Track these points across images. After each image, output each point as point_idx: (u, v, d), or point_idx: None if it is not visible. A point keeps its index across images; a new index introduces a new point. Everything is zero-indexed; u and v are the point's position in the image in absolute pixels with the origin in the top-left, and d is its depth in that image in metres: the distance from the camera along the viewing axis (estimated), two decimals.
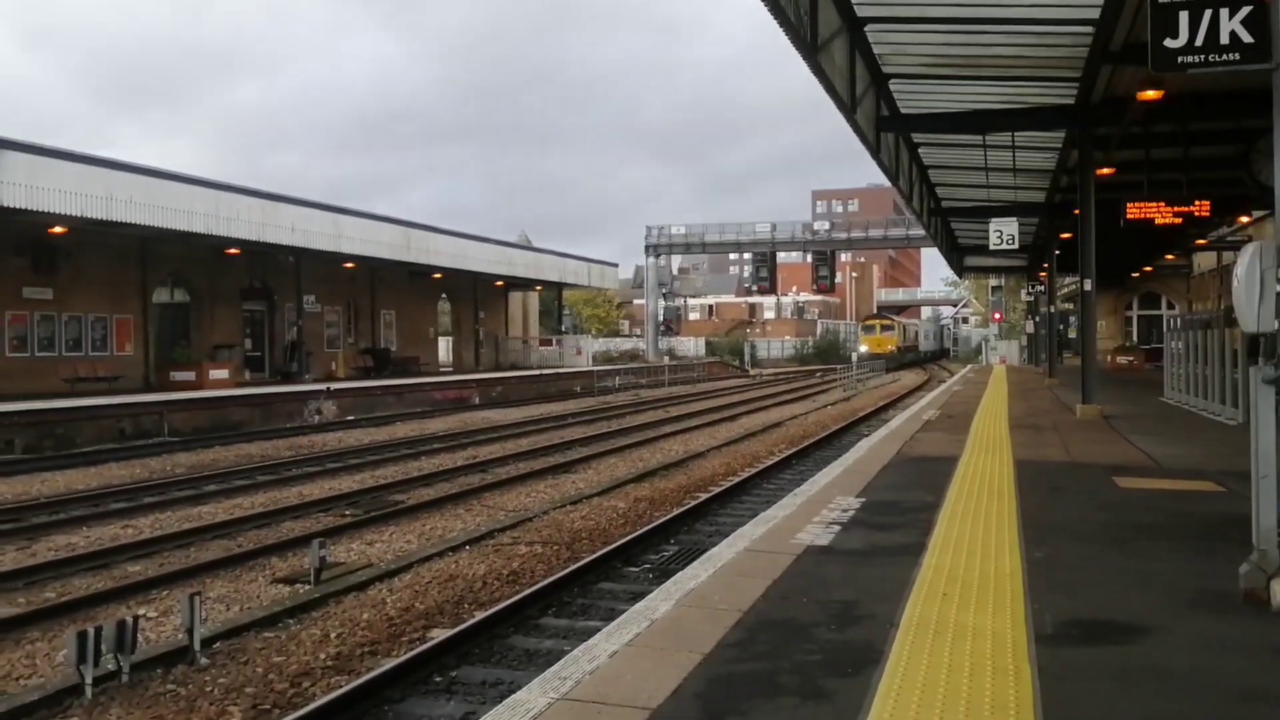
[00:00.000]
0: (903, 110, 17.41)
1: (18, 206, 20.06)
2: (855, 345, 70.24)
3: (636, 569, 9.22)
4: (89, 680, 6.02)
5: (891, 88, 16.30)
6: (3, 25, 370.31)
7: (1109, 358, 36.91)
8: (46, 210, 20.80)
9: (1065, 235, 26.45)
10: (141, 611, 7.82)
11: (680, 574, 5.77)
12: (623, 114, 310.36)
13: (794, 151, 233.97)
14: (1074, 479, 9.20)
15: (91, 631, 6.07)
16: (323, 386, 27.48)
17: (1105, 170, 17.78)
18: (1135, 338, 43.63)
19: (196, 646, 6.73)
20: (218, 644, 7.04)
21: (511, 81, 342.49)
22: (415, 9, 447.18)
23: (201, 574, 9.14)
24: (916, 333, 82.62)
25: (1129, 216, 17.10)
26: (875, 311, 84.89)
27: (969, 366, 52.30)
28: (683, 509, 11.67)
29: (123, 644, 6.24)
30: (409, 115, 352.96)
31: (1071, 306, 44.43)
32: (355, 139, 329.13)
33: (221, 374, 27.02)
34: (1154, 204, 17.08)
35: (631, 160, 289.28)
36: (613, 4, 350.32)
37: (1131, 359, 37.25)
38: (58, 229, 23.48)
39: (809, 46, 11.59)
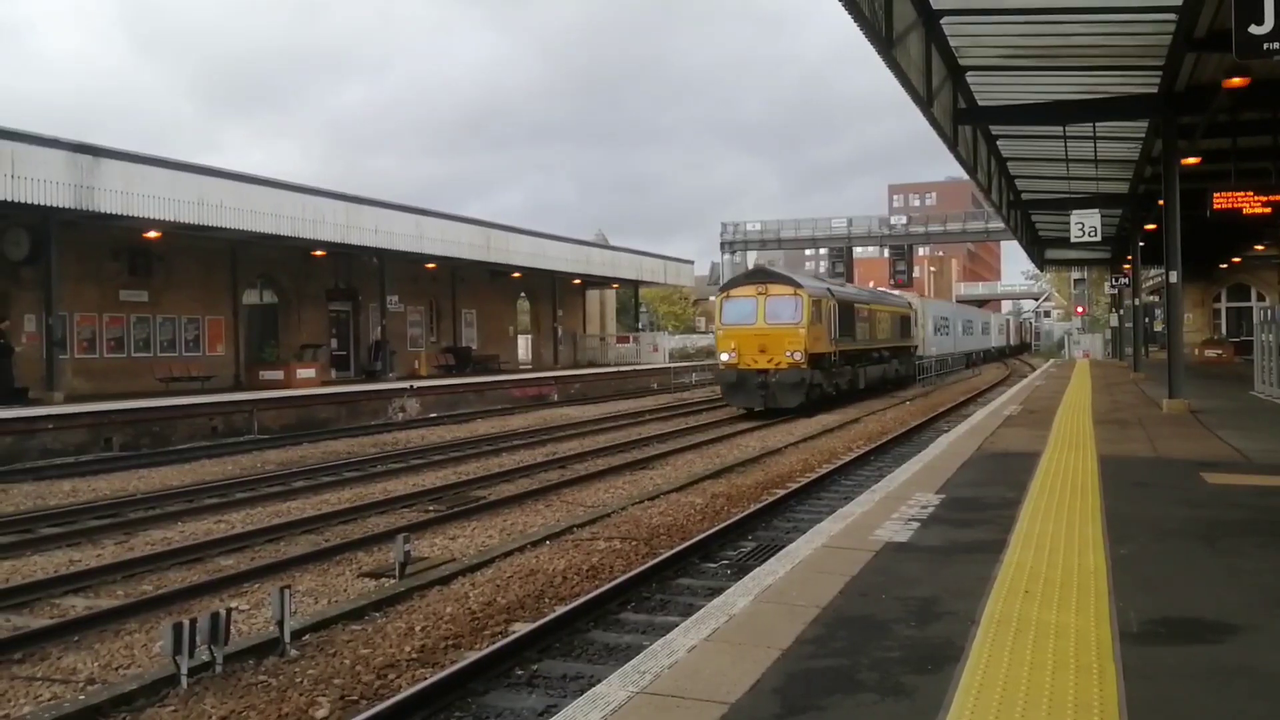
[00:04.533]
0: (980, 102, 17.14)
1: (115, 212, 20.88)
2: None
3: (714, 565, 9.24)
4: (184, 670, 6.19)
5: (969, 80, 16.06)
6: (121, 32, 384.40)
7: (1196, 351, 35.77)
8: (141, 215, 21.61)
9: (1150, 226, 25.69)
10: (234, 604, 8.05)
11: (758, 570, 5.79)
12: (719, 109, 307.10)
13: (886, 146, 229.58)
14: (1160, 475, 8.99)
15: (186, 623, 6.24)
16: (406, 385, 28.04)
17: (1190, 160, 17.26)
18: (1224, 330, 42.18)
19: (286, 639, 6.89)
20: (307, 636, 7.20)
21: (610, 78, 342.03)
22: (521, 6, 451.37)
23: (290, 568, 9.40)
24: (903, 321, 36.25)
25: (1216, 206, 16.53)
26: (768, 267, 33.60)
27: (1051, 361, 51.11)
28: (760, 505, 11.65)
29: (216, 635, 6.41)
30: (507, 114, 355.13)
31: (1157, 299, 43.10)
32: (453, 140, 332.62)
33: (308, 373, 27.71)
34: (1242, 193, 16.47)
35: (725, 156, 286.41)
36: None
37: (1220, 352, 36.10)
38: (152, 233, 24.35)
39: (884, 41, 11.50)
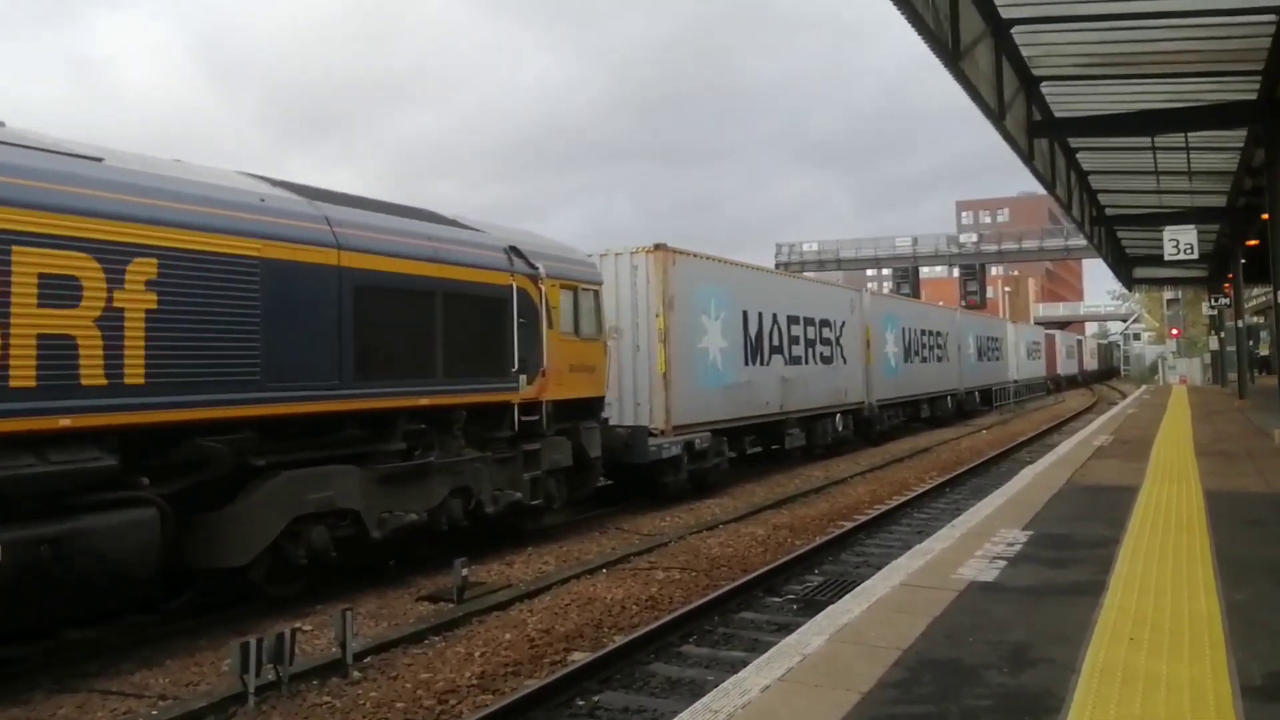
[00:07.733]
0: (1057, 114, 16.50)
1: None
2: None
3: (779, 599, 8.96)
4: (252, 689, 6.21)
5: (1044, 90, 15.48)
6: (193, 64, 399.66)
7: None
8: None
9: (1252, 242, 24.58)
10: (298, 624, 8.02)
11: (831, 607, 5.50)
12: (791, 125, 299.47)
13: (962, 160, 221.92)
14: (1276, 512, 8.37)
15: (254, 643, 6.25)
16: None
17: None
18: None
19: (349, 660, 6.85)
20: (368, 658, 7.16)
21: (678, 96, 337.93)
22: (586, 27, 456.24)
23: (352, 591, 9.33)
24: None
25: None
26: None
27: (1143, 387, 49.22)
28: (827, 538, 11.29)
29: (281, 655, 6.41)
30: (571, 136, 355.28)
31: (1262, 320, 41.34)
32: (517, 162, 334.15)
33: None
34: None
35: (794, 173, 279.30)
36: (796, 9, 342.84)
37: None
38: None
39: (950, 53, 11.14)
